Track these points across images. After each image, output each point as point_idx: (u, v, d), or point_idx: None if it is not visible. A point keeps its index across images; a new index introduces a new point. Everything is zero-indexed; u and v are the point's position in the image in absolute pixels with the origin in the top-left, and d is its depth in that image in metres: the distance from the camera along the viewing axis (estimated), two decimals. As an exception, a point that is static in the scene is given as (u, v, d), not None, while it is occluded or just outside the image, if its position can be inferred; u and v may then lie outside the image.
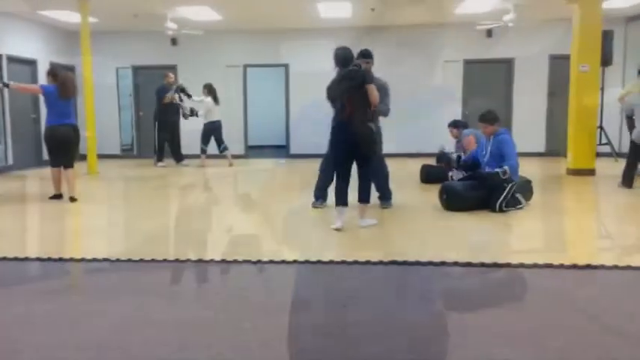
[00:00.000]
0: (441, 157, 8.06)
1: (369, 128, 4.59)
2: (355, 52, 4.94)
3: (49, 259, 3.83)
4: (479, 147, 5.89)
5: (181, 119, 10.44)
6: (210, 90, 10.03)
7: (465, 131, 7.23)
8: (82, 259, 3.81)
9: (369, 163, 4.75)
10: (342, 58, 4.62)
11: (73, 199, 6.21)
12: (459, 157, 6.09)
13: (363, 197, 4.69)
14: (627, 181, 6.70)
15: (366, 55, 5.37)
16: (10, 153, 9.65)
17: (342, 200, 4.71)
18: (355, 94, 4.54)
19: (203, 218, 5.48)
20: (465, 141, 7.03)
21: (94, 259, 3.81)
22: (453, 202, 5.50)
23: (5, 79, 6.45)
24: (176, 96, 10.25)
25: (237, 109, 11.97)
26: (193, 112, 10.17)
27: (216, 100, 10.03)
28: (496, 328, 2.58)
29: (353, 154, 4.65)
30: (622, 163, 9.60)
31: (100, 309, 2.89)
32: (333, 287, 3.24)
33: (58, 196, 6.31)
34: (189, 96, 10.27)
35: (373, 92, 4.57)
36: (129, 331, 2.59)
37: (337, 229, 4.58)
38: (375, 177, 5.53)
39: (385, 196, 5.74)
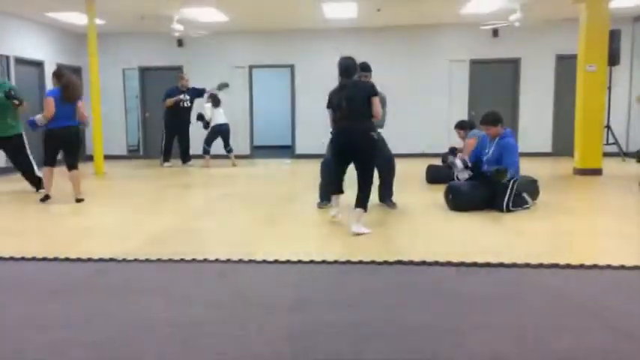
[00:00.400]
0: (447, 155, 8.04)
1: (371, 137, 4.61)
2: (362, 55, 5.00)
3: (56, 259, 3.85)
4: (481, 146, 5.84)
5: (192, 121, 10.48)
6: (214, 100, 10.09)
7: (471, 132, 7.21)
8: (89, 259, 3.83)
9: (369, 170, 4.73)
10: (345, 67, 4.69)
11: (79, 200, 6.23)
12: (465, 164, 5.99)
13: (360, 204, 4.63)
14: None
15: (365, 68, 5.45)
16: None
17: (335, 188, 4.97)
18: (359, 103, 4.60)
19: (208, 218, 5.49)
20: (467, 144, 7.01)
21: (101, 259, 3.83)
22: (459, 202, 5.49)
23: (31, 117, 6.37)
24: (186, 101, 10.28)
25: (243, 110, 12.00)
26: (207, 126, 10.22)
27: (215, 104, 10.04)
28: (501, 329, 2.57)
29: (352, 160, 4.75)
30: (629, 163, 9.60)
31: (105, 309, 2.90)
32: (337, 287, 3.24)
33: (47, 197, 6.24)
34: (204, 121, 10.31)
35: (377, 105, 4.67)
36: (134, 331, 2.60)
37: (334, 217, 4.97)
38: (389, 176, 5.74)
39: (390, 196, 5.77)
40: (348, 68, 4.68)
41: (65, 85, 6.10)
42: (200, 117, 10.23)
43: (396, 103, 10.62)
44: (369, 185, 4.71)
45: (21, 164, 7.06)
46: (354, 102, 4.58)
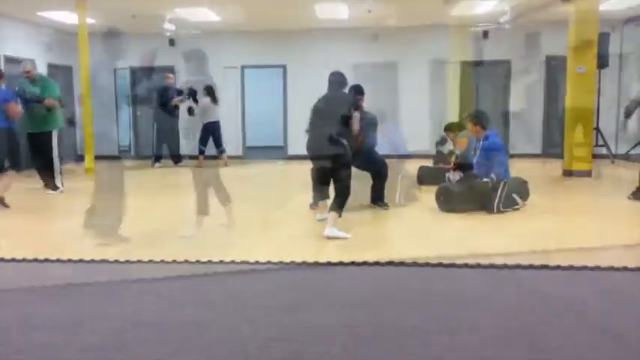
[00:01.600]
0: (439, 154, 8.08)
1: (339, 143, 4.59)
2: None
3: (46, 261, 3.83)
4: (469, 147, 5.91)
5: (180, 120, 10.44)
6: (209, 91, 10.01)
7: (461, 133, 7.23)
8: (80, 261, 3.81)
9: (342, 175, 4.70)
10: (334, 82, 4.92)
11: None
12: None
13: (333, 208, 4.61)
14: None
15: (359, 91, 5.57)
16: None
17: (320, 195, 5.14)
18: (335, 112, 4.67)
19: (200, 219, 5.45)
20: (458, 143, 7.06)
21: (93, 261, 3.81)
22: (450, 203, 5.52)
23: None
24: (187, 102, 10.25)
25: (235, 110, 11.96)
26: (191, 112, 10.10)
27: (214, 100, 10.00)
28: (491, 330, 2.59)
29: (325, 166, 4.80)
30: (618, 165, 9.68)
31: (99, 310, 2.90)
32: (330, 289, 3.25)
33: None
34: (195, 100, 10.18)
35: (355, 121, 4.77)
36: (128, 332, 2.59)
37: (320, 220, 4.94)
38: (379, 178, 5.79)
39: (381, 198, 5.79)
40: (336, 82, 4.91)
41: None
42: (190, 111, 10.12)
43: (387, 104, 10.69)
44: (344, 190, 4.68)
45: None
46: (330, 111, 4.71)
